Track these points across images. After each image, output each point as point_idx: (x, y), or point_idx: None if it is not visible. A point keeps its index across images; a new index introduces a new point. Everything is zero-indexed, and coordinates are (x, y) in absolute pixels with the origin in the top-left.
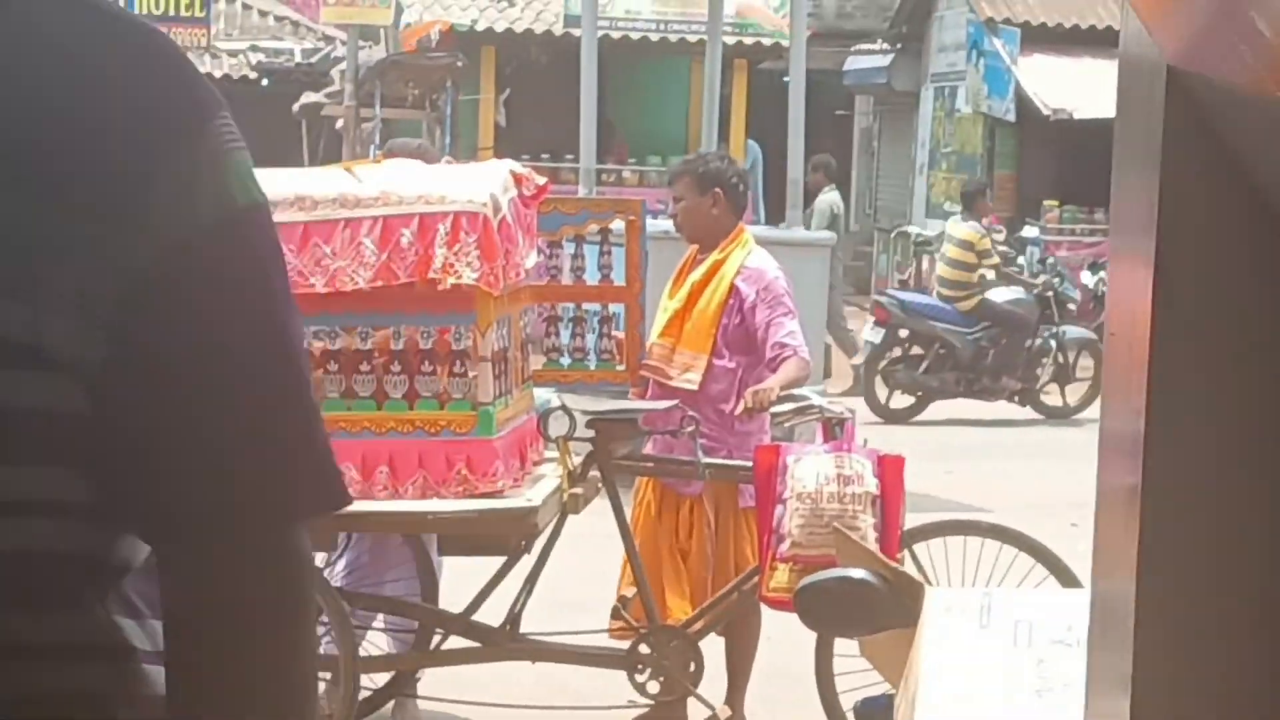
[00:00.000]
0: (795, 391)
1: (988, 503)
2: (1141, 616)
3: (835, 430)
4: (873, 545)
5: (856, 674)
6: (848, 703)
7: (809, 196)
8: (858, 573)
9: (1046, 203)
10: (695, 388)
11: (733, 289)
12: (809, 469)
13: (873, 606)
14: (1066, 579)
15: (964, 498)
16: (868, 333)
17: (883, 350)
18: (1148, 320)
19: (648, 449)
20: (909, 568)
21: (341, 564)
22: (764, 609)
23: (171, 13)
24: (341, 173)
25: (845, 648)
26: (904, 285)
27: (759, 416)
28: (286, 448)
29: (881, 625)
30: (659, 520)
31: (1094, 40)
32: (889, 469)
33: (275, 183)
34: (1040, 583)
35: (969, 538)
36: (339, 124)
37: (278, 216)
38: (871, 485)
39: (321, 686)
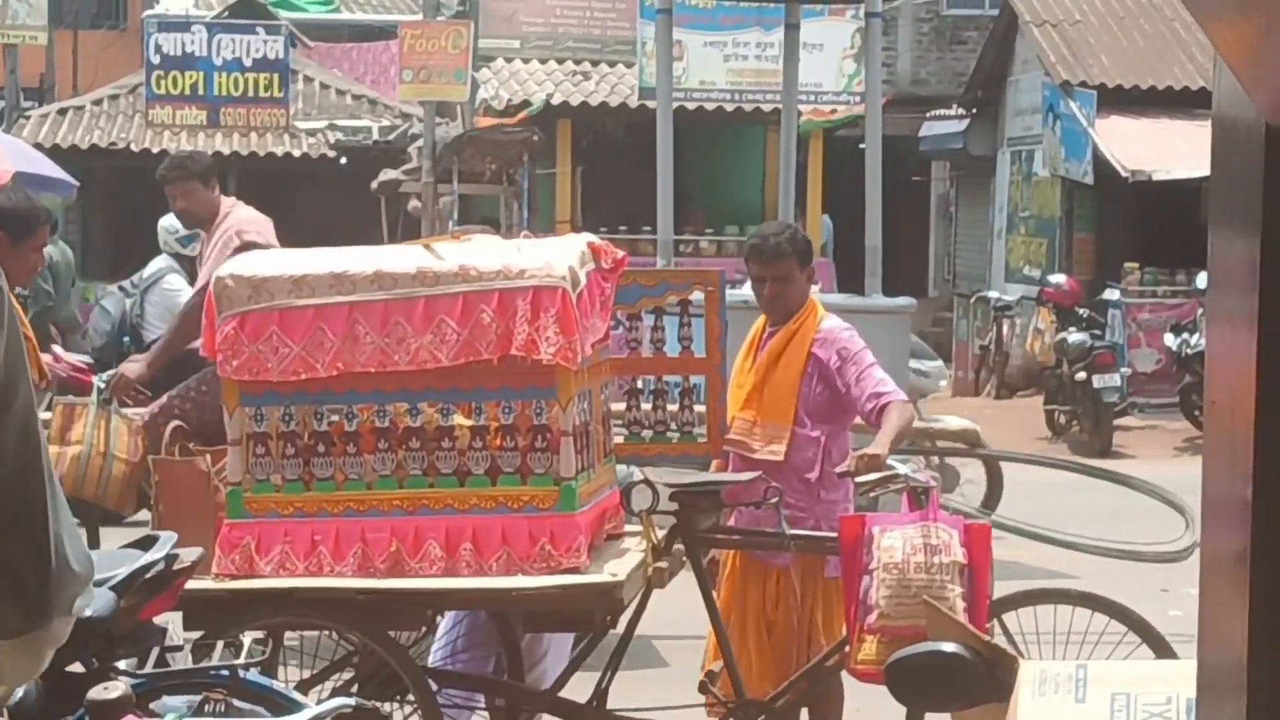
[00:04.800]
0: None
1: (1074, 567)
2: (1254, 685)
3: (920, 499)
4: (961, 616)
5: None
6: None
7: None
8: (949, 646)
9: (1127, 265)
10: (781, 459)
11: (810, 357)
12: (895, 539)
13: (965, 681)
14: (1160, 646)
15: (1050, 564)
16: None
17: None
18: (1252, 380)
19: (731, 521)
20: (998, 637)
21: (430, 642)
22: (846, 680)
23: (251, 94)
24: (420, 250)
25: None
26: (984, 350)
27: (844, 485)
28: None
29: (974, 700)
30: (745, 592)
31: (1170, 101)
32: (975, 537)
33: (354, 261)
34: (1134, 650)
35: (1059, 605)
36: (410, 204)
37: (357, 295)
38: (958, 554)
39: None
